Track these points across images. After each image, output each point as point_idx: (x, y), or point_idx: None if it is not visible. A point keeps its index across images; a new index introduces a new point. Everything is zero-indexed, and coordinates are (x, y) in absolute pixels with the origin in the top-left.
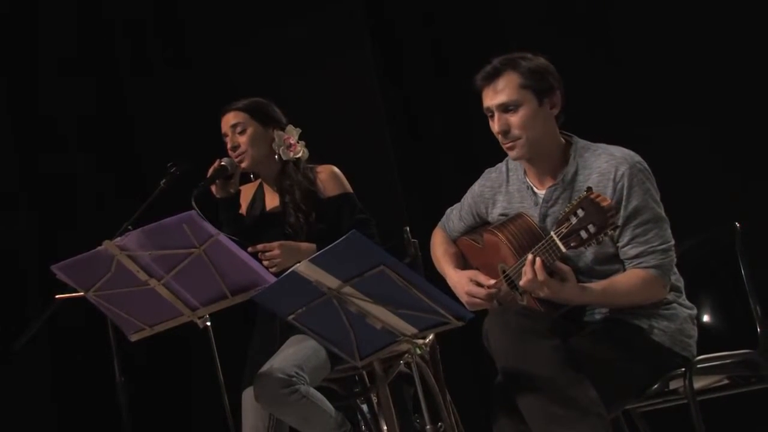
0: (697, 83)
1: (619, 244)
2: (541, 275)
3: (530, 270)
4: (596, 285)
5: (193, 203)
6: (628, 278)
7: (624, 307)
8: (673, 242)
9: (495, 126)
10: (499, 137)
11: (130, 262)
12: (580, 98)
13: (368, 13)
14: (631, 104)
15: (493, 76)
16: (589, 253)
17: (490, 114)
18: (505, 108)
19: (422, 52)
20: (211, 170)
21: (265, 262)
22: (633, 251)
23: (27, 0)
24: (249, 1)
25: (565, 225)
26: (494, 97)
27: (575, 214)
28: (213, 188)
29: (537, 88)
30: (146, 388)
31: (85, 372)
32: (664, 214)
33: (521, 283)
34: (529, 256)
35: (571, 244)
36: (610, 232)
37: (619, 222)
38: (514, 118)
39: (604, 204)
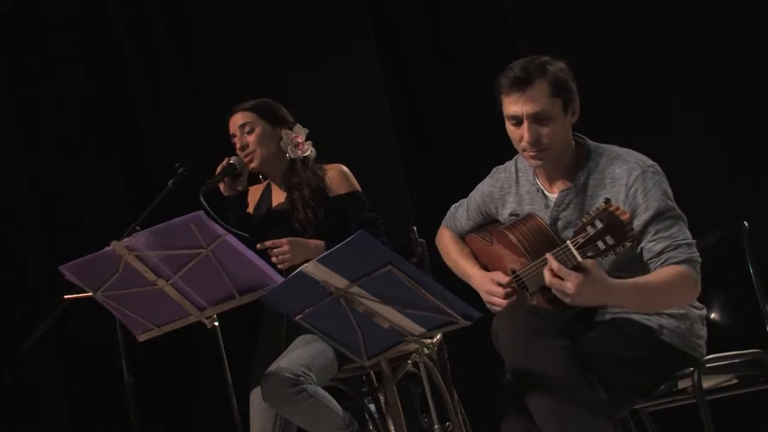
0: (705, 83)
1: (643, 243)
2: (564, 270)
3: (549, 273)
4: (625, 281)
5: (202, 199)
6: (661, 275)
7: (653, 310)
8: (695, 242)
9: (525, 134)
10: (524, 145)
11: (138, 262)
12: (588, 99)
13: (371, 8)
14: (639, 104)
15: (525, 83)
16: (606, 262)
17: (514, 121)
18: (537, 118)
19: (427, 49)
20: (219, 168)
21: (273, 259)
22: (658, 246)
23: None
24: None
25: (582, 235)
26: (526, 105)
27: (593, 225)
28: (221, 186)
29: (563, 97)
30: (154, 388)
31: (94, 372)
32: (682, 214)
33: (546, 282)
34: (549, 257)
35: (588, 254)
36: (628, 245)
37: (636, 233)
38: (546, 129)
39: (624, 217)
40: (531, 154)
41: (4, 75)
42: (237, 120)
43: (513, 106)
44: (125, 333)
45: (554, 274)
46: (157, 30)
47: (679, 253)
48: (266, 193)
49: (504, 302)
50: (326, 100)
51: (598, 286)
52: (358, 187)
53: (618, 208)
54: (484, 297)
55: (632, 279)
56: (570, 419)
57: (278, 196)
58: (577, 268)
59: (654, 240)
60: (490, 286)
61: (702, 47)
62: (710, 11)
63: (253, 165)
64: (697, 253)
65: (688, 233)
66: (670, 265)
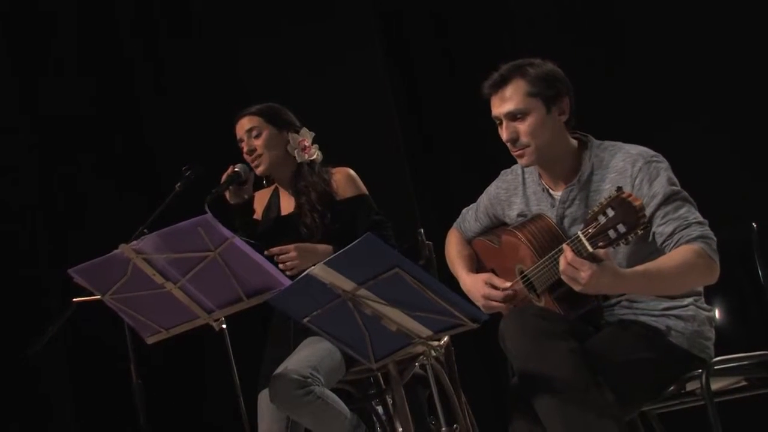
0: (713, 82)
1: (654, 228)
2: (578, 260)
3: (564, 260)
4: (636, 269)
5: (207, 209)
6: (674, 256)
7: (671, 293)
8: (707, 221)
9: (503, 134)
10: (508, 145)
11: (146, 265)
12: (592, 101)
13: (377, 11)
14: (645, 105)
15: (500, 84)
16: (620, 255)
17: (498, 122)
18: (513, 116)
19: (433, 52)
20: (224, 176)
21: (281, 265)
22: (669, 228)
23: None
24: (262, 2)
25: (593, 225)
26: (501, 105)
27: (604, 214)
28: (227, 194)
29: (545, 95)
30: (163, 391)
31: (103, 375)
32: (690, 197)
33: (561, 268)
34: (565, 247)
35: (599, 244)
36: (640, 232)
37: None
38: (522, 126)
39: (636, 203)
40: (514, 152)
41: (8, 75)
42: (244, 124)
43: (493, 108)
44: (134, 336)
45: (568, 263)
46: (162, 31)
47: (691, 231)
48: (274, 198)
49: (502, 305)
50: (332, 103)
51: (609, 275)
52: (365, 191)
53: (630, 195)
54: (481, 302)
55: (643, 265)
56: (577, 421)
57: (286, 202)
58: (591, 257)
59: (664, 223)
60: (486, 290)
61: (709, 45)
62: (718, 8)
63: (260, 169)
64: (711, 232)
65: (698, 214)
66: (682, 244)
